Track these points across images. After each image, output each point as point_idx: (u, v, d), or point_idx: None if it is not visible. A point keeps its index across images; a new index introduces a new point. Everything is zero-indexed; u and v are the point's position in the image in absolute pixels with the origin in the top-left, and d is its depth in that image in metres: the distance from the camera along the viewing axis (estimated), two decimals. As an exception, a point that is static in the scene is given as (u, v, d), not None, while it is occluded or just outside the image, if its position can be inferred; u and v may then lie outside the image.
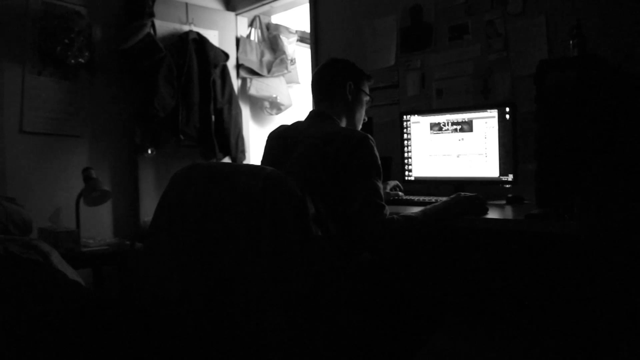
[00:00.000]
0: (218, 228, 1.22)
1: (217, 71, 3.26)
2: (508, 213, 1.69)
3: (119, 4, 3.02)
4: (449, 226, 1.58)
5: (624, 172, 1.68)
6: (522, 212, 1.59)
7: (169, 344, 1.25)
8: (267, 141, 1.69)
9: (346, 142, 1.45)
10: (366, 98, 1.74)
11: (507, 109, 2.00)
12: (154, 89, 2.95)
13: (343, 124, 1.67)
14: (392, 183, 2.09)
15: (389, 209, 1.42)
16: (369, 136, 1.48)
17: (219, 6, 3.56)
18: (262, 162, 1.67)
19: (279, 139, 1.64)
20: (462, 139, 2.11)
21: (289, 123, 1.69)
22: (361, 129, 1.70)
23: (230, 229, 1.20)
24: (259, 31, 3.69)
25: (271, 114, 3.75)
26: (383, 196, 1.43)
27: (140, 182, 3.11)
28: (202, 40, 3.22)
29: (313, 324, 1.18)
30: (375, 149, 1.48)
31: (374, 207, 1.38)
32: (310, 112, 1.68)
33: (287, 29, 3.73)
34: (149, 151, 3.08)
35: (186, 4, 3.30)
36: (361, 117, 1.75)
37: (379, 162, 1.48)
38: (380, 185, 1.45)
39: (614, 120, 1.65)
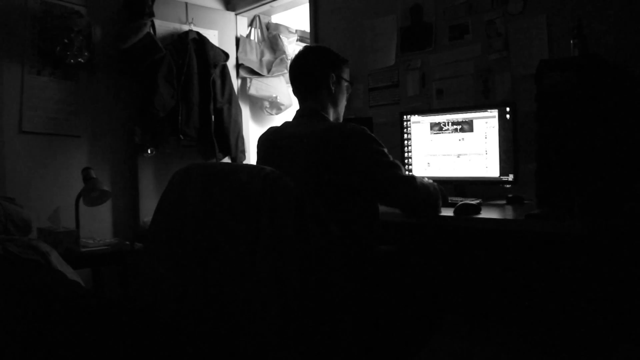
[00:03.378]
0: (217, 228, 1.22)
1: (217, 71, 3.26)
2: (508, 213, 1.68)
3: (118, 3, 3.01)
4: (449, 226, 1.57)
5: (624, 172, 1.68)
6: (522, 212, 1.59)
7: (169, 344, 1.25)
8: (259, 145, 1.68)
9: (344, 139, 1.45)
10: (346, 84, 1.71)
11: (508, 109, 2.00)
12: (154, 89, 2.94)
13: (330, 116, 1.65)
14: None
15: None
16: (362, 127, 1.50)
17: (218, 6, 3.56)
18: None
19: (271, 142, 1.63)
20: (463, 139, 2.11)
21: (277, 125, 1.68)
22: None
23: (229, 228, 1.20)
24: (259, 31, 3.68)
25: (271, 114, 3.75)
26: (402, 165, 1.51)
27: (140, 182, 3.11)
28: (201, 40, 3.21)
29: (312, 324, 1.18)
30: (371, 134, 1.50)
31: (405, 179, 1.49)
32: (298, 112, 1.65)
33: (287, 28, 3.72)
34: (149, 151, 3.08)
35: (186, 3, 3.29)
36: (344, 105, 1.73)
37: (379, 142, 1.51)
38: (394, 160, 1.50)
39: (614, 120, 1.65)
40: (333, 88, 1.64)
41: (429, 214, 1.60)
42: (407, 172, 1.52)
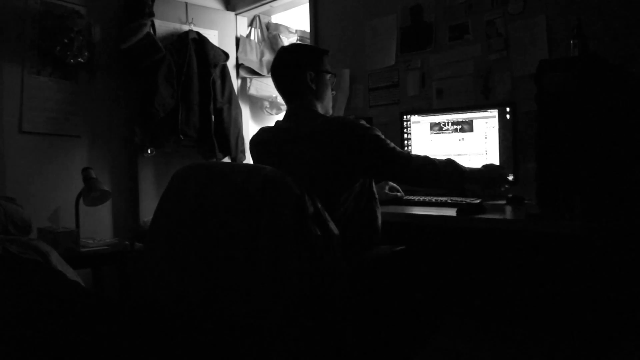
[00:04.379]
0: (217, 227, 1.22)
1: (217, 71, 3.26)
2: (508, 213, 1.68)
3: (118, 3, 3.01)
4: (450, 226, 1.57)
5: (624, 173, 1.68)
6: (522, 212, 1.58)
7: (169, 344, 1.25)
8: (252, 147, 1.67)
9: (342, 134, 1.47)
10: (329, 76, 1.69)
11: (508, 109, 2.00)
12: (154, 89, 2.94)
13: (319, 111, 1.65)
14: (390, 183, 2.09)
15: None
16: (357, 120, 1.52)
17: (218, 6, 3.56)
18: None
19: (265, 144, 1.63)
20: (463, 139, 2.11)
21: (269, 125, 1.68)
22: None
23: (229, 228, 1.20)
24: (259, 31, 3.68)
25: (271, 114, 3.75)
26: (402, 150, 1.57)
27: (140, 182, 3.11)
28: (201, 40, 3.21)
29: (312, 323, 1.17)
30: (364, 124, 1.52)
31: (405, 158, 1.54)
32: (287, 112, 1.66)
33: (287, 28, 3.72)
34: (149, 151, 3.07)
35: (186, 3, 3.29)
36: (330, 96, 1.72)
37: (375, 129, 1.53)
38: (393, 144, 1.54)
39: (614, 121, 1.64)
40: (313, 85, 1.63)
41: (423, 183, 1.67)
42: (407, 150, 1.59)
